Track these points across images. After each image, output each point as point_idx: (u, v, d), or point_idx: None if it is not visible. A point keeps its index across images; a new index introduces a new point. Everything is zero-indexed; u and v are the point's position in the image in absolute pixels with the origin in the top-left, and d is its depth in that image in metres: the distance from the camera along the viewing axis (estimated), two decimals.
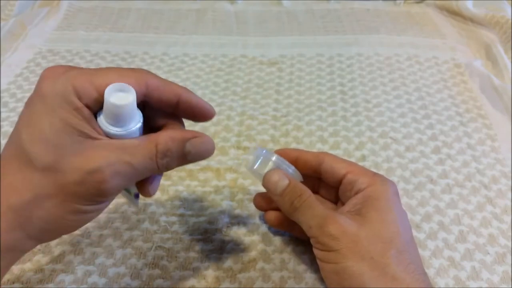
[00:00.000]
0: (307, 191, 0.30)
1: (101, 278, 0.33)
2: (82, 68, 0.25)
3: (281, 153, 0.34)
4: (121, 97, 0.24)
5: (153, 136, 0.25)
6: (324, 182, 0.35)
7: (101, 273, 0.34)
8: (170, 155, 0.25)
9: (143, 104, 0.26)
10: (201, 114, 0.28)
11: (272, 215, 0.35)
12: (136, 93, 0.24)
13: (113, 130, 0.25)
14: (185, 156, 0.26)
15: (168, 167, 0.26)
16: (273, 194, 0.31)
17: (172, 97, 0.27)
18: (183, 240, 0.36)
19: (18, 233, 0.24)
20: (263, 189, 0.33)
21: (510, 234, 0.37)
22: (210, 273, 0.34)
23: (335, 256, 0.28)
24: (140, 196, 0.29)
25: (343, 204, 0.33)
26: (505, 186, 0.41)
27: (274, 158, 0.32)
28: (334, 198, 0.35)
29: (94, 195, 0.24)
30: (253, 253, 0.35)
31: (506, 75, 0.55)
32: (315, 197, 0.30)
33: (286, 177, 0.31)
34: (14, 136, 0.24)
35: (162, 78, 0.27)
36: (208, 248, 0.36)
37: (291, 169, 0.32)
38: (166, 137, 0.25)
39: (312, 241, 0.30)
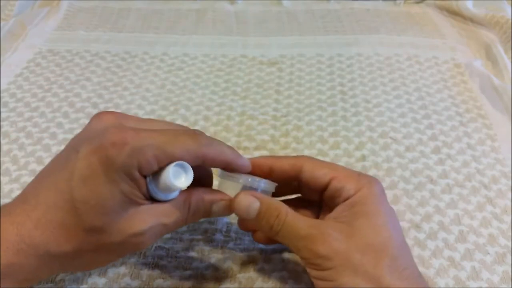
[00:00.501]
0: (283, 209, 0.28)
1: (101, 278, 0.33)
2: (146, 132, 0.25)
3: (254, 162, 0.31)
4: (179, 175, 0.26)
5: (187, 198, 0.28)
6: (300, 193, 0.33)
7: (101, 273, 0.34)
8: (198, 213, 0.28)
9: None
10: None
11: (260, 234, 0.33)
12: (193, 167, 0.27)
13: (162, 197, 0.27)
14: (209, 214, 0.29)
15: (196, 220, 0.29)
16: (247, 220, 0.29)
17: (222, 164, 0.29)
18: (183, 240, 0.36)
19: (45, 274, 0.26)
20: None
21: (510, 234, 0.37)
22: (210, 273, 0.34)
23: (329, 274, 0.27)
24: None
25: (328, 206, 0.32)
26: (505, 186, 0.41)
27: (241, 179, 0.30)
28: (317, 198, 0.33)
29: (129, 252, 0.27)
30: (253, 253, 0.35)
31: (506, 75, 0.55)
32: (294, 213, 0.29)
33: (256, 197, 0.29)
34: (64, 184, 0.24)
35: (215, 142, 0.28)
36: (208, 248, 0.36)
37: (262, 182, 0.30)
38: (198, 198, 0.28)
39: (302, 261, 0.28)
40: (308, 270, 0.28)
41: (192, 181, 0.27)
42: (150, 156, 0.25)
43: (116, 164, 0.24)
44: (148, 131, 0.26)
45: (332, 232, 0.27)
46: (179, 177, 0.26)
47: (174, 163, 0.25)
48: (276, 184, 0.31)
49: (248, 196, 0.29)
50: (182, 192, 0.28)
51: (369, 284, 0.26)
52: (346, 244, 0.27)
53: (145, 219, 0.26)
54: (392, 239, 0.28)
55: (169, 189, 0.26)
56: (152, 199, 0.27)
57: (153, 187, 0.26)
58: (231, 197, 0.29)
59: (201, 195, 0.29)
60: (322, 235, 0.27)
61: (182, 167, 0.26)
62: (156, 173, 0.26)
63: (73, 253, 0.25)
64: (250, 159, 0.31)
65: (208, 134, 0.28)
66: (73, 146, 0.26)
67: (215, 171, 0.32)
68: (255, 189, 0.30)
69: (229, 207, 0.29)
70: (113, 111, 0.28)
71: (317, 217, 0.33)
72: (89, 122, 0.28)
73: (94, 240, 0.25)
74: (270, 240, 0.33)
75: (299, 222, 0.28)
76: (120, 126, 0.26)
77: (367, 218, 0.28)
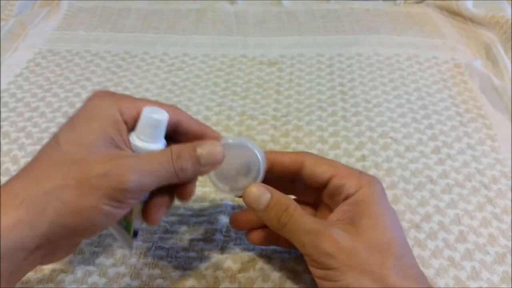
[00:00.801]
0: (292, 204, 0.29)
1: (101, 278, 0.33)
2: (128, 95, 0.29)
3: None
4: (157, 115, 0.27)
5: (168, 146, 0.28)
6: (301, 183, 0.33)
7: (101, 273, 0.34)
8: (183, 157, 0.27)
9: (170, 137, 0.29)
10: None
11: (254, 235, 0.33)
12: (169, 119, 0.28)
13: (140, 143, 0.27)
14: (198, 159, 0.28)
15: (185, 172, 0.27)
16: (256, 210, 0.29)
17: (198, 132, 0.30)
18: (183, 240, 0.36)
19: (26, 229, 0.23)
20: None
21: (510, 234, 0.37)
22: (210, 273, 0.34)
23: (333, 274, 0.27)
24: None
25: (326, 205, 0.32)
26: (505, 186, 0.41)
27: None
28: (312, 198, 0.33)
29: (115, 189, 0.24)
30: (252, 253, 0.35)
31: (506, 75, 0.55)
32: (302, 209, 0.29)
33: (267, 189, 0.29)
34: (52, 140, 0.27)
35: (192, 117, 0.30)
36: (208, 248, 0.36)
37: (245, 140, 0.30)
38: (179, 144, 0.28)
39: (307, 259, 0.28)
40: (312, 270, 0.28)
41: None
42: (129, 102, 0.27)
43: (97, 106, 0.27)
44: (130, 95, 0.29)
45: (338, 231, 0.27)
46: (154, 114, 0.27)
47: (150, 106, 0.28)
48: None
49: (259, 187, 0.29)
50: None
51: (376, 285, 0.26)
52: (352, 243, 0.27)
53: (128, 154, 0.27)
54: (397, 239, 0.28)
55: (146, 126, 0.27)
56: None
57: (133, 135, 0.27)
58: (215, 141, 0.29)
59: (182, 143, 0.28)
60: (328, 232, 0.27)
61: (157, 111, 0.28)
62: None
63: (53, 191, 0.24)
64: None
65: None
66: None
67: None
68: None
69: (214, 146, 0.28)
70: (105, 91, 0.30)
71: None
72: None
73: (74, 173, 0.24)
74: (264, 240, 0.33)
75: (306, 218, 0.28)
76: (105, 90, 0.29)
77: (371, 218, 0.28)
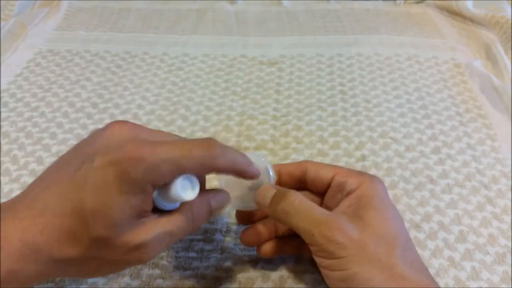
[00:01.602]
0: (293, 192, 0.29)
1: (101, 278, 0.33)
2: (161, 146, 0.25)
3: None
4: (186, 187, 0.26)
5: (187, 204, 0.27)
6: (306, 191, 0.33)
7: None
8: (201, 216, 0.28)
9: None
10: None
11: (266, 248, 0.33)
12: (200, 176, 0.27)
13: (166, 207, 0.27)
14: (212, 212, 0.29)
15: (201, 225, 0.29)
16: (263, 206, 0.30)
17: (228, 170, 0.28)
18: (183, 240, 0.36)
19: (45, 278, 0.26)
20: None
21: (510, 234, 0.37)
22: (210, 273, 0.34)
23: (341, 263, 0.27)
24: None
25: (328, 208, 0.32)
26: (505, 186, 0.41)
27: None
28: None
29: (133, 265, 0.26)
30: (252, 253, 0.35)
31: (506, 75, 0.55)
32: (310, 201, 0.29)
33: (274, 187, 0.30)
34: (74, 192, 0.24)
35: (225, 150, 0.28)
36: (208, 248, 0.36)
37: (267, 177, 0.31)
38: (198, 203, 0.28)
39: (313, 249, 0.28)
40: (318, 260, 0.28)
41: None
42: (165, 171, 0.25)
43: (132, 178, 0.24)
44: (164, 145, 0.25)
45: (346, 222, 0.28)
46: (186, 190, 0.26)
47: (183, 176, 0.25)
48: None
49: (267, 186, 0.30)
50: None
51: (384, 273, 0.26)
52: (360, 234, 0.27)
53: (150, 228, 0.25)
54: (401, 232, 0.29)
55: (175, 200, 0.26)
56: (156, 209, 0.27)
57: (158, 198, 0.26)
58: (223, 190, 0.30)
59: (201, 196, 0.28)
60: (338, 222, 0.28)
61: (189, 179, 0.26)
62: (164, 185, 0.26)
63: (76, 259, 0.24)
64: None
65: (208, 135, 0.28)
66: (87, 154, 0.25)
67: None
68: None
69: (224, 197, 0.30)
70: (127, 121, 0.27)
71: None
72: (102, 130, 0.27)
73: (98, 250, 0.24)
74: (275, 252, 0.33)
75: (316, 208, 0.29)
76: (137, 139, 0.26)
77: (376, 211, 0.29)
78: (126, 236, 0.24)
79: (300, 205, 0.29)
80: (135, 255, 0.25)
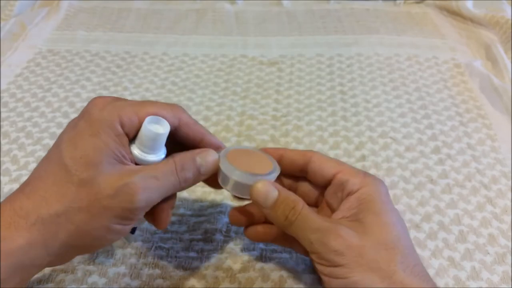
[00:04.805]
0: (300, 202, 0.29)
1: (101, 278, 0.33)
2: (127, 100, 0.29)
3: (266, 150, 0.32)
4: (157, 128, 0.28)
5: (171, 156, 0.29)
6: (304, 181, 0.33)
7: (101, 273, 0.34)
8: (187, 169, 0.28)
9: (170, 137, 0.29)
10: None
11: (253, 231, 0.33)
12: (170, 125, 0.28)
13: (142, 155, 0.28)
14: (199, 169, 0.29)
15: (187, 181, 0.28)
16: (263, 207, 0.29)
17: (197, 135, 0.30)
18: (183, 240, 0.36)
19: (39, 249, 0.25)
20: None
21: (510, 234, 0.37)
22: (210, 273, 0.34)
23: (341, 271, 0.27)
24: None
25: (328, 206, 0.32)
26: (505, 186, 0.41)
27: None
28: (313, 199, 0.33)
29: (126, 209, 0.26)
30: (252, 253, 0.35)
31: (506, 75, 0.55)
32: (309, 207, 0.29)
33: (275, 187, 0.29)
34: (54, 153, 0.26)
35: (192, 118, 0.30)
36: (208, 248, 0.36)
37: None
38: (180, 154, 0.29)
39: (313, 256, 0.28)
40: (319, 268, 0.28)
41: None
42: (130, 111, 0.27)
43: (98, 117, 0.26)
44: (131, 100, 0.29)
45: (345, 229, 0.27)
46: (156, 127, 0.28)
47: (151, 116, 0.27)
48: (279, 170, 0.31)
49: (267, 184, 0.29)
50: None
51: (384, 281, 0.26)
52: (359, 240, 0.27)
53: (133, 170, 0.26)
54: (401, 237, 0.28)
55: (148, 139, 0.27)
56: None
57: (134, 147, 0.28)
58: (211, 149, 0.30)
59: (182, 153, 0.29)
60: (336, 229, 0.27)
61: (157, 120, 0.28)
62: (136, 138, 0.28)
63: (65, 214, 0.25)
64: (262, 148, 0.33)
65: None
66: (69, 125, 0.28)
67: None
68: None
69: (211, 155, 0.29)
70: (108, 96, 0.30)
71: None
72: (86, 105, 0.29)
73: (84, 195, 0.25)
74: (261, 238, 0.33)
75: (314, 216, 0.28)
76: (105, 96, 0.28)
77: (376, 215, 0.28)
78: (110, 177, 0.25)
79: (304, 214, 0.28)
80: (123, 198, 0.25)
